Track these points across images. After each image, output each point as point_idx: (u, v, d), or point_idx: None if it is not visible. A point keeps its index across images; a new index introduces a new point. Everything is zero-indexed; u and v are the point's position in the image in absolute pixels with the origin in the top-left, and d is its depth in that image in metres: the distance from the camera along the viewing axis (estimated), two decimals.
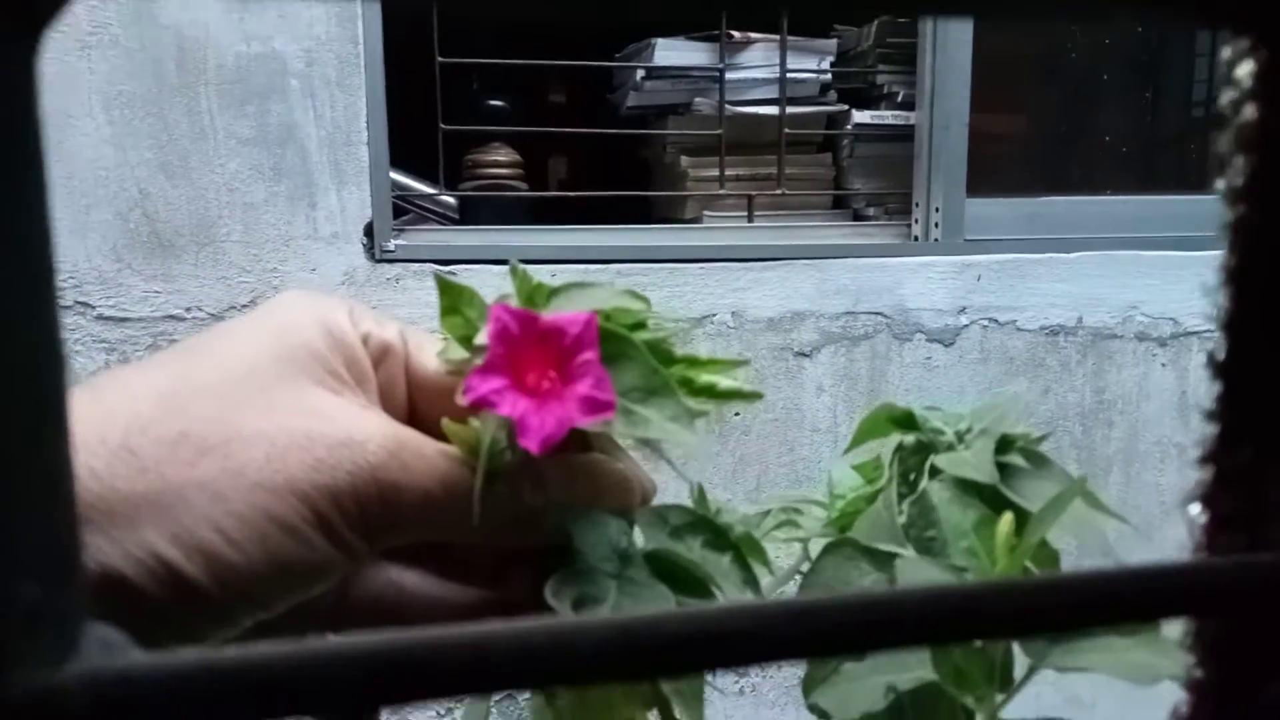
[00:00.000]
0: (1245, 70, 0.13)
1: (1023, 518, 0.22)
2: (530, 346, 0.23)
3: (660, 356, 0.24)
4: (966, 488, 0.22)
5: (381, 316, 0.26)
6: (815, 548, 0.31)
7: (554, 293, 0.25)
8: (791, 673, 1.36)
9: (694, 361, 0.25)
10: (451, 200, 1.39)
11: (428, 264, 1.20)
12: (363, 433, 0.22)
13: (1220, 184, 0.13)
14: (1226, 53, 0.13)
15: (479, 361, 0.23)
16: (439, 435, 0.24)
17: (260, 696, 0.09)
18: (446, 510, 0.23)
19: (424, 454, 0.23)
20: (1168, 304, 1.42)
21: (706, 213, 1.42)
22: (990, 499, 0.23)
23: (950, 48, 1.33)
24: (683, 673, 0.11)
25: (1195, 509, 0.13)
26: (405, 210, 1.34)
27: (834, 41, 1.47)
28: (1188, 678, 0.13)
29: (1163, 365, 1.43)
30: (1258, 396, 0.13)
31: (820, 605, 0.11)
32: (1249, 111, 0.13)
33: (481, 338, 0.24)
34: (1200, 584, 0.12)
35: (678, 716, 0.24)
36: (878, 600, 0.11)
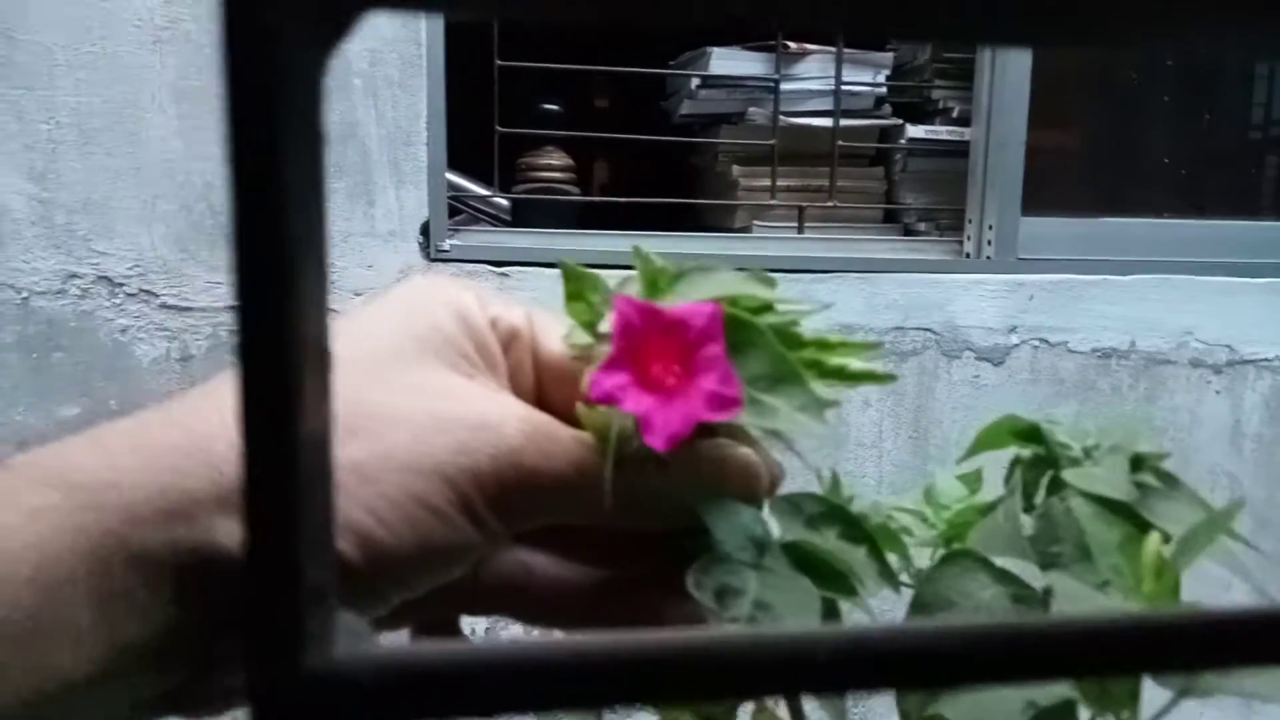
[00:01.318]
0: None
1: (1163, 539, 0.22)
2: (654, 339, 0.23)
3: (788, 341, 0.24)
4: (1102, 504, 0.22)
5: (508, 300, 0.26)
6: (915, 556, 0.31)
7: (678, 277, 0.25)
8: None
9: (824, 344, 0.24)
10: (504, 202, 1.40)
11: (481, 264, 1.21)
12: (499, 416, 0.23)
13: None
14: None
15: (604, 348, 0.23)
16: (566, 418, 0.24)
17: (526, 689, 0.10)
18: (580, 495, 0.23)
19: (559, 438, 0.23)
20: (1223, 330, 1.40)
21: (756, 223, 1.42)
22: (1127, 518, 0.22)
23: (1008, 64, 1.32)
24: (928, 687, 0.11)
25: None
26: (459, 211, 1.35)
27: (890, 55, 1.47)
28: None
29: (1216, 392, 1.41)
30: None
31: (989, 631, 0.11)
32: None
33: (606, 325, 0.24)
34: None
35: None
36: (1074, 628, 0.11)
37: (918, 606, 0.25)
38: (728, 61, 1.42)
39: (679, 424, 0.22)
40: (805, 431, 0.22)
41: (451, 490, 0.21)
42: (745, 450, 0.24)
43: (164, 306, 1.13)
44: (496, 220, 1.40)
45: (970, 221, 1.38)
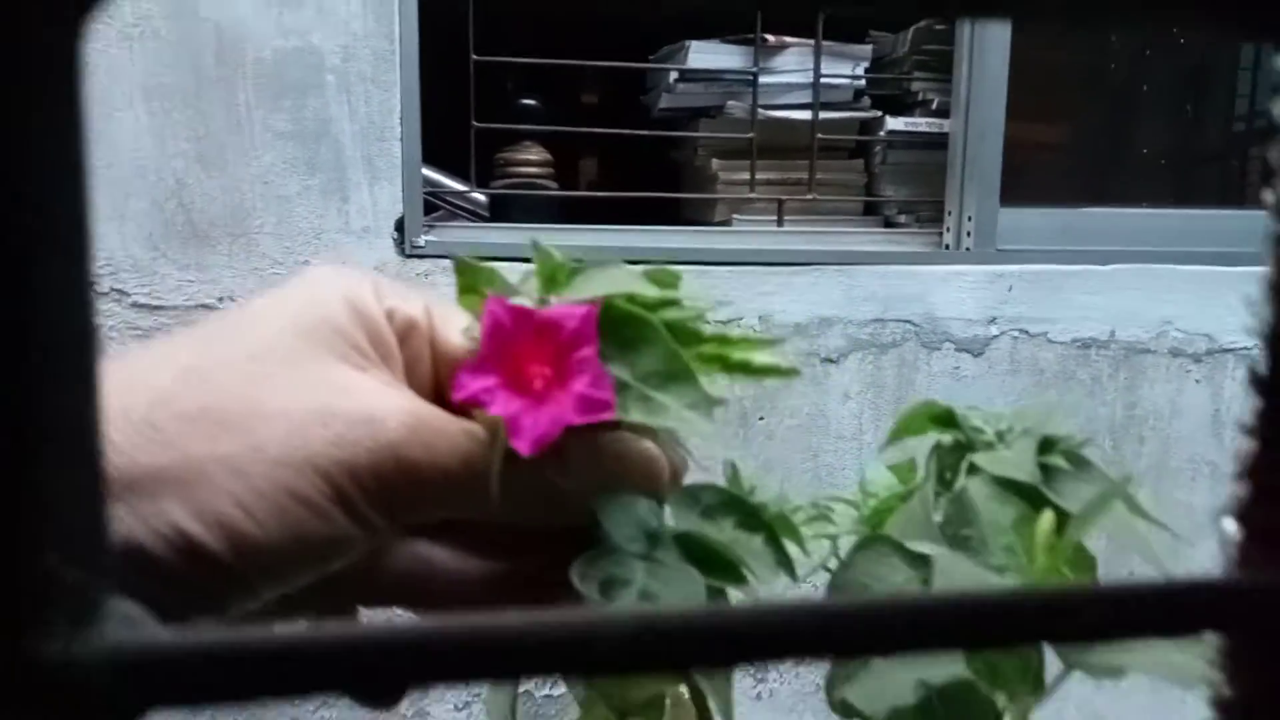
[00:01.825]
0: None
1: (1063, 518, 0.22)
2: (526, 341, 0.23)
3: (687, 336, 0.24)
4: (1006, 486, 0.22)
5: (407, 291, 0.26)
6: (844, 545, 0.31)
7: (574, 273, 0.25)
8: (809, 679, 1.35)
9: (725, 340, 0.24)
10: (482, 198, 1.40)
11: None
12: (383, 410, 0.22)
13: (1269, 196, 0.13)
14: (1278, 63, 0.12)
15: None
16: (465, 411, 0.24)
17: (279, 676, 0.09)
18: (468, 489, 0.23)
19: (445, 432, 0.23)
20: (1203, 320, 1.40)
21: (736, 216, 1.42)
22: (1030, 499, 0.22)
23: (987, 56, 1.32)
24: (701, 666, 0.11)
25: (1230, 525, 0.13)
26: (436, 207, 1.35)
27: (869, 47, 1.46)
28: (1216, 696, 0.13)
29: (1196, 381, 1.41)
30: None
31: (842, 609, 0.11)
32: None
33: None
34: (1239, 600, 0.11)
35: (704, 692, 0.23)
36: (901, 606, 0.11)
37: (834, 591, 0.24)
38: (706, 55, 1.41)
39: (546, 427, 0.22)
40: (694, 429, 0.22)
41: (325, 483, 0.21)
42: (647, 443, 0.24)
43: (136, 305, 1.12)
44: (475, 216, 1.40)
45: (949, 213, 1.38)
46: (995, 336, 1.35)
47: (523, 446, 0.22)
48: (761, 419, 1.31)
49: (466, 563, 0.26)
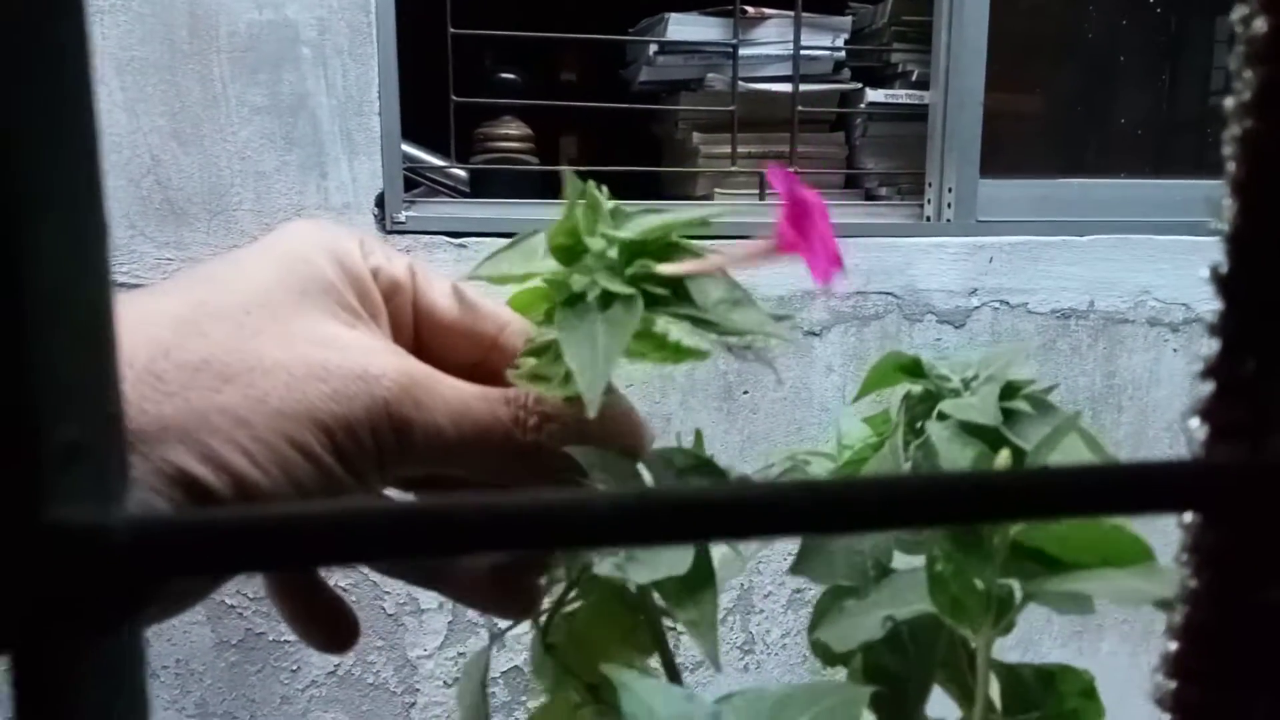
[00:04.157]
0: None
1: (1022, 458, 0.22)
2: (800, 207, 0.26)
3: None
4: (968, 429, 0.23)
5: (390, 250, 0.26)
6: None
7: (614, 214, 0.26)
8: (795, 651, 1.36)
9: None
10: (462, 173, 1.39)
11: (438, 236, 1.20)
12: (378, 367, 0.23)
13: (1229, 100, 0.13)
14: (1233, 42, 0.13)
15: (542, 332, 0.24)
16: (444, 369, 0.25)
17: (296, 548, 0.10)
18: (455, 446, 0.24)
19: (435, 391, 0.24)
20: (1180, 289, 1.41)
21: (718, 190, 1.42)
22: (992, 441, 0.23)
23: (966, 27, 1.32)
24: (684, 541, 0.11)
25: (1194, 422, 0.13)
26: (416, 183, 1.34)
27: (848, 19, 1.46)
28: (1182, 590, 0.13)
29: (1174, 350, 1.42)
30: (1261, 308, 0.13)
31: (810, 488, 0.11)
32: (1259, 24, 0.13)
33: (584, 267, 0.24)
34: (1201, 481, 0.12)
35: (674, 643, 0.24)
36: (872, 484, 0.11)
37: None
38: (685, 27, 1.41)
39: (828, 268, 0.26)
40: (780, 335, 0.24)
41: (325, 435, 0.22)
42: (631, 406, 0.25)
43: (114, 285, 1.11)
44: (455, 191, 1.39)
45: (930, 185, 1.38)
46: (976, 308, 1.36)
47: (823, 280, 0.25)
48: (745, 393, 1.32)
49: None
